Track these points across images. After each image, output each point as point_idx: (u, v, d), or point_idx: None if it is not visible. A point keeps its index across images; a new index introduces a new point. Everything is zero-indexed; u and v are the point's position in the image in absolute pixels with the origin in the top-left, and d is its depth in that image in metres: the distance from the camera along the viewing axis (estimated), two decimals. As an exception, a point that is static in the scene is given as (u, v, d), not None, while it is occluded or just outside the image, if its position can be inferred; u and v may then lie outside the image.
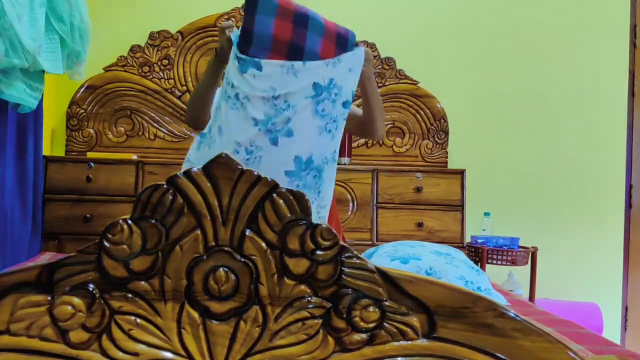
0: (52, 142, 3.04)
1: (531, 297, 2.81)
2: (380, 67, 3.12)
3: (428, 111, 3.11)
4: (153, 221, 0.69)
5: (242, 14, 3.11)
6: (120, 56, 3.04)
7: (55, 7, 2.21)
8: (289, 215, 0.69)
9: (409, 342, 0.70)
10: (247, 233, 0.70)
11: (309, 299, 0.70)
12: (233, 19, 3.09)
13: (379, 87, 3.11)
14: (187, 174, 0.70)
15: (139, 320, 0.70)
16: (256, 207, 0.70)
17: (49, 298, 0.69)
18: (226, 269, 0.70)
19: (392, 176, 2.90)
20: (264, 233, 0.70)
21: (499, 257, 2.75)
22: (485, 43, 3.20)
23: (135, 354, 0.70)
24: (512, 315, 0.70)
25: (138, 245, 0.69)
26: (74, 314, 0.69)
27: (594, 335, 1.59)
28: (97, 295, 0.69)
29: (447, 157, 3.11)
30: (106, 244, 0.69)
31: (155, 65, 3.05)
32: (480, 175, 3.13)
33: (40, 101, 2.44)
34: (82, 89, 3.00)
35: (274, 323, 0.70)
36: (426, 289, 0.71)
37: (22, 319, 0.69)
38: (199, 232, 0.70)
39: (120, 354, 0.70)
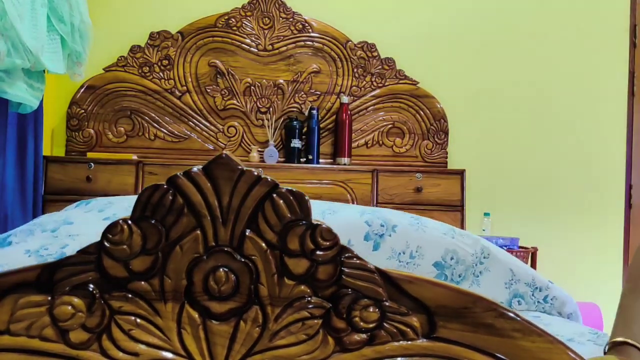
0: (52, 142, 3.04)
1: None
2: (380, 67, 3.12)
3: (428, 111, 3.12)
4: (153, 221, 0.69)
5: (242, 14, 3.12)
6: (120, 56, 3.04)
7: (55, 7, 2.21)
8: (288, 215, 0.70)
9: (409, 342, 0.70)
10: (247, 233, 0.70)
11: (309, 299, 0.70)
12: (233, 19, 3.10)
13: (379, 87, 3.11)
14: (187, 174, 0.70)
15: (139, 321, 0.70)
16: (256, 207, 0.70)
17: (49, 298, 0.69)
18: (226, 269, 0.70)
19: (392, 176, 2.91)
20: (264, 233, 0.70)
21: (499, 257, 2.75)
22: (485, 43, 3.20)
23: (136, 354, 0.70)
24: (512, 315, 0.70)
25: (138, 245, 0.69)
26: (74, 314, 0.69)
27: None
28: (97, 295, 0.70)
29: (447, 158, 3.11)
30: (106, 244, 0.69)
31: (155, 65, 3.05)
32: (480, 175, 3.13)
33: (41, 101, 2.44)
34: (82, 89, 3.00)
35: (273, 323, 0.70)
36: (426, 289, 0.71)
37: (22, 319, 0.69)
38: (199, 232, 0.70)
39: (120, 354, 0.70)
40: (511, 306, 1.70)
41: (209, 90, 3.07)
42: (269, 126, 3.06)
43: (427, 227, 1.84)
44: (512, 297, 1.73)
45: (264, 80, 3.10)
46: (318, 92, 3.11)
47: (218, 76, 3.08)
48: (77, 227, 1.73)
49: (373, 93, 3.12)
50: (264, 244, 0.70)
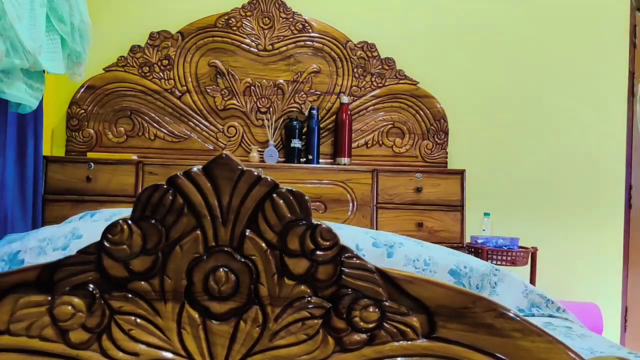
0: (52, 142, 3.04)
1: (531, 298, 2.81)
2: (380, 67, 3.12)
3: (428, 111, 3.12)
4: (153, 221, 0.69)
5: (242, 14, 3.12)
6: (120, 56, 3.04)
7: (55, 7, 2.21)
8: (288, 215, 0.69)
9: (409, 342, 0.70)
10: (247, 233, 0.70)
11: (309, 299, 0.70)
12: (233, 19, 3.10)
13: (379, 87, 3.11)
14: (187, 174, 0.70)
15: (139, 321, 0.70)
16: (256, 207, 0.70)
17: (49, 298, 0.69)
18: (226, 269, 0.70)
19: (392, 176, 2.91)
20: (264, 233, 0.70)
21: (499, 257, 2.75)
22: (485, 43, 3.20)
23: (135, 354, 0.70)
24: (512, 315, 0.70)
25: (138, 245, 0.69)
26: (74, 314, 0.69)
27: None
28: (97, 295, 0.70)
29: (447, 158, 3.11)
30: (106, 244, 0.69)
31: (155, 65, 3.05)
32: (480, 175, 3.13)
33: (41, 101, 2.44)
34: (82, 89, 3.00)
35: (273, 323, 0.70)
36: (426, 289, 0.71)
37: (22, 319, 0.69)
38: (199, 232, 0.70)
39: (120, 354, 0.70)
40: (532, 313, 1.71)
41: (209, 90, 3.07)
42: (269, 126, 3.06)
43: (431, 246, 1.85)
44: (531, 306, 1.73)
45: (264, 80, 3.10)
46: (318, 92, 3.11)
47: (218, 76, 3.08)
48: (88, 240, 1.70)
49: (373, 93, 3.12)
50: (264, 244, 0.70)
